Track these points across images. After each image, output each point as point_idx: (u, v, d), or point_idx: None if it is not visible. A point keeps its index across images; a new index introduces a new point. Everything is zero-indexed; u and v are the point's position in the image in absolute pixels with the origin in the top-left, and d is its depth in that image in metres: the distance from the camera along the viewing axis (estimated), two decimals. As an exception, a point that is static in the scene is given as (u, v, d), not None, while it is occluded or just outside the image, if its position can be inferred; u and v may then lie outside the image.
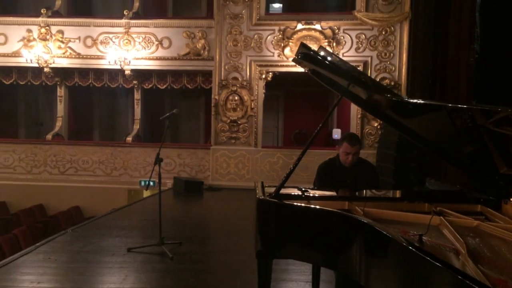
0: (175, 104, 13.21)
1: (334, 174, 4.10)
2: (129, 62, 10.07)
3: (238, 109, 9.97)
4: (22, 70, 10.88)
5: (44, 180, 10.46)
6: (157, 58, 10.21)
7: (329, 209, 2.61)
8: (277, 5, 13.34)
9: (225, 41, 9.89)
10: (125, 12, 10.26)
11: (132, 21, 10.21)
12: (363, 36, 9.68)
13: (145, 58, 10.22)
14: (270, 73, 9.96)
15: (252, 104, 9.94)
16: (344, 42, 9.71)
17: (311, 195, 3.16)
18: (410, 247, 1.90)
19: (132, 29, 10.21)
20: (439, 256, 2.12)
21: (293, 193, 3.13)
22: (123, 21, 10.19)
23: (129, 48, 10.15)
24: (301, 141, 13.02)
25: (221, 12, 9.89)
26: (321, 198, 3.11)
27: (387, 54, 9.68)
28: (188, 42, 10.13)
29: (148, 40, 10.20)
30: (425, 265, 1.80)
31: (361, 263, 2.28)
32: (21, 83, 11.09)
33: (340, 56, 9.70)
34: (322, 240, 2.61)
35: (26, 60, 10.18)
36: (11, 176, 10.50)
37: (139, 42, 10.21)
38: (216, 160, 10.04)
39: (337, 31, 9.70)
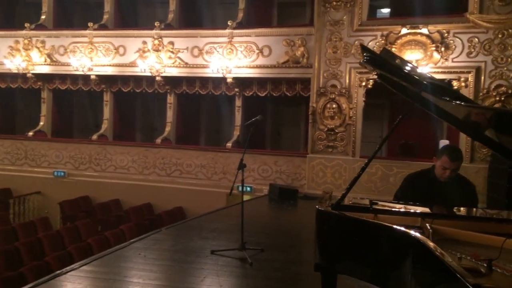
0: (276, 112, 13.41)
1: (426, 187, 3.82)
2: (231, 70, 10.43)
3: (336, 117, 9.76)
4: (137, 79, 11.84)
5: (153, 181, 11.23)
6: (257, 66, 10.44)
7: (379, 222, 2.41)
8: (385, 10, 12.88)
9: (325, 48, 9.76)
10: (229, 23, 10.65)
11: (235, 31, 10.57)
12: (476, 39, 8.89)
13: (246, 67, 10.50)
14: (371, 81, 9.59)
15: (351, 113, 9.66)
16: (454, 47, 9.00)
17: (381, 208, 2.95)
18: (450, 265, 1.66)
19: (235, 39, 10.56)
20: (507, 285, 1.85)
21: (359, 205, 2.95)
22: (227, 31, 10.60)
23: (231, 57, 10.51)
24: (407, 152, 12.32)
25: (321, 18, 9.79)
26: (390, 212, 2.89)
27: (504, 59, 8.76)
28: (288, 50, 10.20)
29: (250, 49, 10.48)
30: None
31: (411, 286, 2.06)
32: (137, 91, 12.08)
33: (449, 62, 9.05)
34: (374, 256, 2.42)
35: (141, 70, 11.07)
36: (125, 176, 11.45)
37: (241, 51, 10.53)
38: (312, 169, 9.92)
39: (446, 35, 9.03)
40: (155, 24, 11.20)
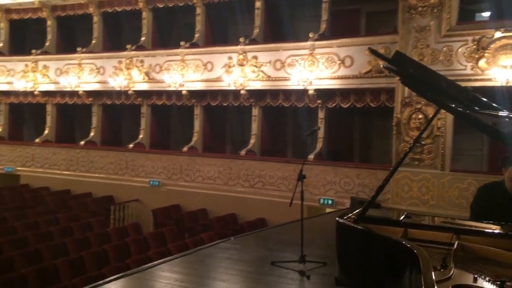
0: (365, 124, 12.97)
1: (496, 200, 3.54)
2: (311, 82, 10.39)
3: (423, 128, 9.19)
4: (224, 93, 12.27)
5: (237, 191, 11.50)
6: (339, 77, 10.27)
7: (382, 234, 2.23)
8: (486, 14, 11.95)
9: (410, 56, 9.28)
10: (310, 35, 10.65)
11: (317, 43, 10.54)
12: None
13: (328, 78, 10.39)
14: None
15: (439, 123, 9.05)
16: (558, 49, 8.07)
17: (411, 222, 2.74)
18: None
19: (316, 50, 10.53)
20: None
21: (387, 218, 2.77)
22: (308, 43, 10.61)
23: (312, 69, 10.48)
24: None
25: (406, 25, 9.36)
26: (420, 226, 2.67)
27: None
28: (370, 59, 9.88)
29: (331, 60, 10.36)
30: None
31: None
32: (224, 104, 12.52)
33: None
34: (381, 269, 2.24)
35: (226, 84, 11.49)
36: (211, 186, 11.89)
37: (322, 63, 10.45)
38: (397, 183, 9.44)
39: (548, 36, 8.13)
40: (240, 40, 11.57)
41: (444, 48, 9.05)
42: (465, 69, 8.88)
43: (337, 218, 2.70)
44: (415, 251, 1.87)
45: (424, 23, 9.24)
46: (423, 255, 1.80)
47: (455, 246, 2.29)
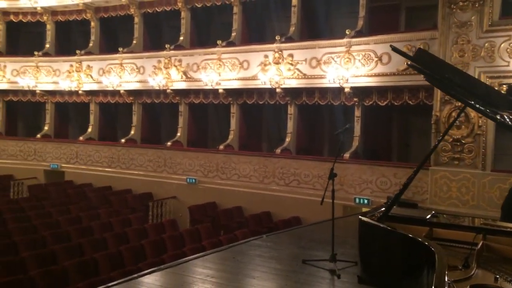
0: (403, 122, 12.69)
1: None
2: (347, 80, 10.27)
3: (463, 126, 8.94)
4: (260, 91, 12.31)
5: (272, 190, 11.53)
6: (375, 75, 10.11)
7: (404, 232, 2.20)
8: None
9: (450, 52, 9.05)
10: (347, 32, 10.53)
11: (353, 40, 10.41)
12: None
13: (364, 75, 10.24)
14: (504, 85, 8.61)
15: (480, 121, 8.76)
16: None
17: (437, 221, 2.68)
18: None
19: (353, 47, 10.40)
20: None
21: (413, 217, 2.72)
22: (345, 40, 10.49)
23: (349, 66, 10.35)
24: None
25: (446, 21, 9.11)
26: (444, 225, 2.61)
27: None
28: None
29: (368, 57, 10.20)
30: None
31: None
32: (260, 103, 12.56)
33: None
34: (403, 269, 2.21)
35: (262, 82, 11.53)
36: (247, 184, 11.97)
37: (359, 60, 10.31)
38: (436, 182, 9.21)
39: None
40: (276, 38, 11.58)
41: (486, 44, 8.75)
42: (508, 65, 8.56)
43: (360, 216, 2.68)
44: (432, 249, 1.84)
45: (465, 18, 8.97)
46: (440, 254, 1.77)
47: (479, 246, 2.23)
